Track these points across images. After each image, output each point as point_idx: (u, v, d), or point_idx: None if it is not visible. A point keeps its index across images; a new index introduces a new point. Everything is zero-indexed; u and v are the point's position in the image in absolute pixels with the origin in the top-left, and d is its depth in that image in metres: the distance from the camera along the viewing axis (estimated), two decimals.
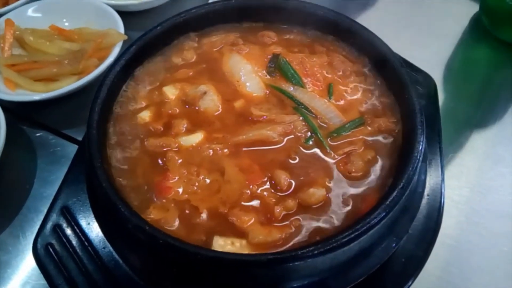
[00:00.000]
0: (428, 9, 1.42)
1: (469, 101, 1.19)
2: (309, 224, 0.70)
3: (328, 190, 0.73)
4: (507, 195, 0.99)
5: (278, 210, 0.69)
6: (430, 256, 0.78)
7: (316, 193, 0.71)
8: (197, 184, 0.74)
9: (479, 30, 1.35)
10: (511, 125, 1.13)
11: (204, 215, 0.70)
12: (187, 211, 0.71)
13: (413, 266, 0.77)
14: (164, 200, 0.72)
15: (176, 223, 0.70)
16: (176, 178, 0.74)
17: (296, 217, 0.70)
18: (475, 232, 0.94)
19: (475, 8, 1.38)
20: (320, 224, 0.70)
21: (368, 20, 1.36)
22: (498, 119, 1.14)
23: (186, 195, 0.73)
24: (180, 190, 0.73)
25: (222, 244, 0.67)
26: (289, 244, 0.67)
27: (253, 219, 0.69)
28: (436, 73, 1.11)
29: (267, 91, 0.86)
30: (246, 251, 0.66)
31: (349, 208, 0.71)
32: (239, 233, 0.68)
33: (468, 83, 1.23)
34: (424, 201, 0.82)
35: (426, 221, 0.81)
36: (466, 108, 1.17)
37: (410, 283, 0.76)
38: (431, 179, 0.86)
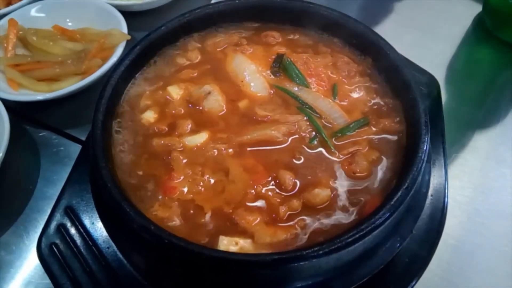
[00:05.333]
0: (431, 10, 1.42)
1: (472, 101, 1.19)
2: (314, 224, 0.70)
3: (333, 190, 0.73)
4: (509, 196, 1.00)
5: (283, 210, 0.69)
6: (433, 256, 0.78)
7: (321, 194, 0.71)
8: (201, 184, 0.74)
9: (482, 31, 1.35)
10: None
11: (208, 215, 0.70)
12: (191, 211, 0.71)
13: (416, 266, 0.78)
14: (169, 200, 0.72)
15: (181, 223, 0.70)
16: (181, 178, 0.74)
17: (301, 217, 0.70)
18: (477, 232, 0.94)
19: (478, 9, 1.38)
20: (325, 224, 0.70)
21: (372, 21, 1.37)
22: (501, 120, 1.14)
23: (191, 195, 0.73)
24: (185, 190, 0.73)
25: (227, 243, 0.66)
26: (295, 245, 0.67)
27: (258, 219, 0.69)
28: (439, 74, 1.11)
29: (272, 91, 0.86)
30: (251, 251, 0.66)
31: (353, 208, 0.71)
32: (244, 233, 0.68)
33: (471, 83, 1.23)
34: (427, 201, 0.82)
35: (429, 221, 0.81)
36: (469, 108, 1.17)
37: (413, 283, 0.76)
38: (434, 180, 0.86)
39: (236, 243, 0.67)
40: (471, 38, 1.34)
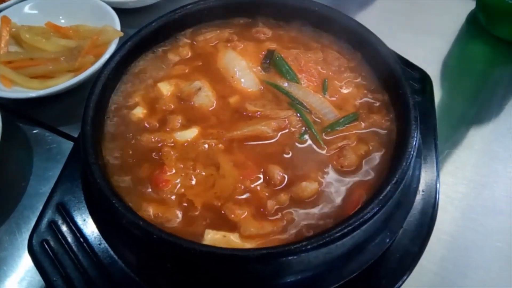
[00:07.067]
0: (424, 6, 1.42)
1: (465, 97, 1.19)
2: (302, 217, 0.70)
3: (321, 184, 0.73)
4: (502, 191, 1.00)
5: (270, 204, 0.70)
6: (426, 252, 0.78)
7: (308, 187, 0.71)
8: (193, 178, 0.74)
9: (475, 27, 1.35)
10: (507, 121, 1.13)
11: (199, 209, 0.71)
12: (184, 204, 0.71)
13: (408, 261, 0.77)
14: (161, 194, 0.72)
15: (173, 216, 0.70)
16: (173, 171, 0.74)
17: (288, 210, 0.70)
18: (470, 228, 0.94)
19: (471, 5, 1.39)
20: (313, 218, 0.70)
21: (365, 17, 1.37)
22: (494, 116, 1.14)
23: (183, 189, 0.73)
24: (177, 183, 0.73)
25: (212, 237, 0.67)
26: (282, 238, 0.68)
27: (246, 213, 0.69)
28: (432, 70, 1.11)
29: (262, 87, 0.86)
30: (238, 243, 0.66)
31: (342, 202, 0.71)
32: (233, 226, 0.68)
33: (464, 79, 1.24)
34: (418, 196, 0.82)
35: (421, 217, 0.81)
36: (462, 104, 1.17)
37: (405, 277, 0.76)
38: (426, 175, 0.86)
39: (223, 236, 0.67)
40: (464, 35, 1.35)
